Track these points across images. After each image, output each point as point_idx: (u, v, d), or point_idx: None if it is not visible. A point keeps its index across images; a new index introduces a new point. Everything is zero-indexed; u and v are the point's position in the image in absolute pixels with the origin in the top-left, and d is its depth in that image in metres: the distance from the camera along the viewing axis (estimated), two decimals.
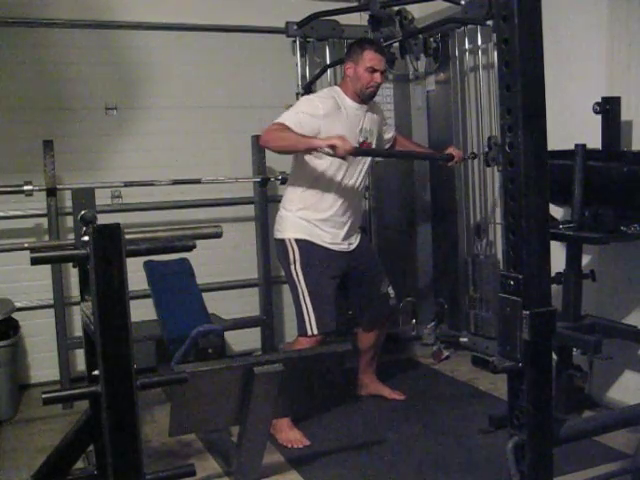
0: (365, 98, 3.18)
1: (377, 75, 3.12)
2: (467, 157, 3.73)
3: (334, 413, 3.30)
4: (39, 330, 3.82)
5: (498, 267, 3.87)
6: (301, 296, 3.12)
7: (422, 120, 4.48)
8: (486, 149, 3.67)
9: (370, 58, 3.10)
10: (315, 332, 3.08)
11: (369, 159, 3.28)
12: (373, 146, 3.27)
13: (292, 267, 3.15)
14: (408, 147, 3.58)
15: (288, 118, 2.98)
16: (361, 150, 3.14)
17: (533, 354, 1.60)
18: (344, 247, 3.23)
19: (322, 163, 3.09)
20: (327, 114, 3.05)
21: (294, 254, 3.14)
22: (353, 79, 3.15)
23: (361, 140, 3.18)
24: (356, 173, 3.19)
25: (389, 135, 3.49)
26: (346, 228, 3.21)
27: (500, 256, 3.91)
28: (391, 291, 3.41)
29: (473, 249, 4.09)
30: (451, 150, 3.38)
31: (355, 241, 3.29)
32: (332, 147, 2.82)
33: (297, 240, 3.15)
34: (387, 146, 3.49)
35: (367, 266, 3.34)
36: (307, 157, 3.09)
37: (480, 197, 4.07)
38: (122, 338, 1.74)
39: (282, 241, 3.19)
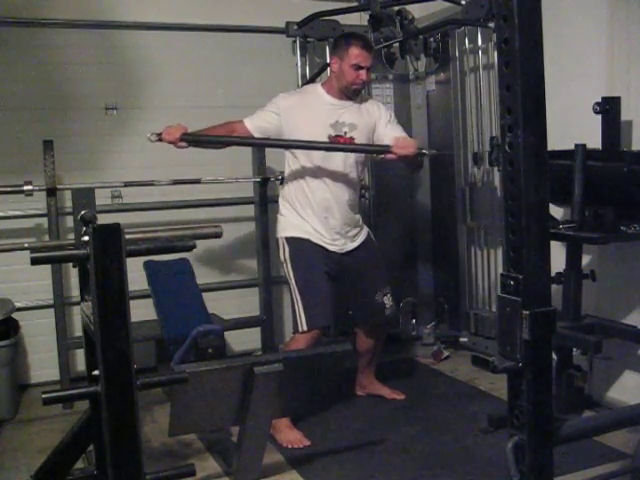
0: (350, 94, 3.16)
1: (362, 72, 3.09)
2: (421, 153, 3.04)
3: (334, 413, 3.29)
4: (39, 330, 3.82)
5: (496, 194, 3.86)
6: (293, 293, 3.13)
7: (422, 120, 4.47)
8: (488, 149, 3.67)
9: (355, 55, 3.06)
10: (305, 328, 3.06)
11: (355, 156, 3.17)
12: (355, 142, 3.14)
13: (284, 265, 3.19)
14: None
15: (248, 117, 3.14)
16: (192, 138, 3.06)
17: (533, 354, 1.60)
18: (336, 247, 3.20)
19: (305, 160, 3.12)
20: (288, 109, 3.11)
21: (285, 252, 3.17)
22: (338, 75, 3.12)
23: (334, 134, 3.12)
24: (341, 169, 3.15)
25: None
26: (336, 226, 3.17)
27: (498, 183, 3.86)
28: (387, 301, 3.33)
29: (470, 177, 4.06)
30: (394, 141, 3.01)
31: (352, 244, 3.25)
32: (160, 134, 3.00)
33: (287, 238, 3.18)
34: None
35: (363, 272, 3.28)
36: (288, 154, 3.20)
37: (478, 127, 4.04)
38: (122, 338, 1.74)
39: (277, 240, 3.25)
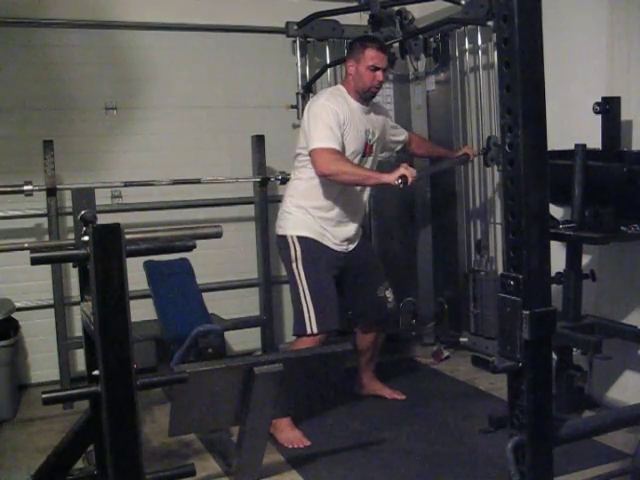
0: (366, 98, 3.18)
1: (379, 73, 3.11)
2: (479, 152, 3.74)
3: (334, 413, 3.29)
4: (39, 330, 3.82)
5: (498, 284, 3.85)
6: (302, 294, 3.09)
7: (422, 120, 4.47)
8: (486, 149, 3.67)
9: (372, 56, 3.09)
10: (315, 331, 3.05)
11: (375, 161, 3.28)
12: (374, 149, 3.24)
13: (294, 264, 3.13)
14: (425, 147, 3.67)
15: (330, 140, 2.97)
16: (420, 174, 3.19)
17: (533, 354, 1.60)
18: (343, 248, 3.22)
19: None
20: (345, 119, 3.07)
21: (296, 251, 3.13)
22: (355, 78, 3.14)
23: (366, 141, 3.17)
24: None
25: (401, 137, 3.52)
26: (348, 229, 3.20)
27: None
28: (389, 295, 3.36)
29: (473, 264, 4.06)
30: (466, 150, 3.60)
31: (354, 243, 3.28)
32: (402, 177, 2.90)
33: (299, 237, 3.13)
34: (399, 148, 3.54)
35: (363, 269, 3.31)
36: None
37: (480, 199, 4.06)
38: (122, 338, 1.74)
39: (284, 237, 3.17)
